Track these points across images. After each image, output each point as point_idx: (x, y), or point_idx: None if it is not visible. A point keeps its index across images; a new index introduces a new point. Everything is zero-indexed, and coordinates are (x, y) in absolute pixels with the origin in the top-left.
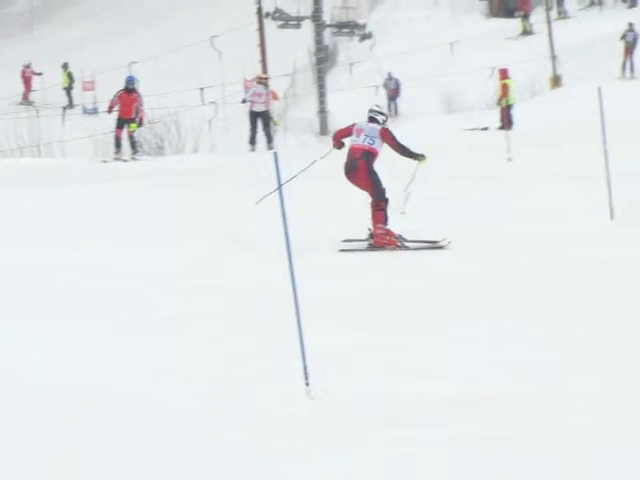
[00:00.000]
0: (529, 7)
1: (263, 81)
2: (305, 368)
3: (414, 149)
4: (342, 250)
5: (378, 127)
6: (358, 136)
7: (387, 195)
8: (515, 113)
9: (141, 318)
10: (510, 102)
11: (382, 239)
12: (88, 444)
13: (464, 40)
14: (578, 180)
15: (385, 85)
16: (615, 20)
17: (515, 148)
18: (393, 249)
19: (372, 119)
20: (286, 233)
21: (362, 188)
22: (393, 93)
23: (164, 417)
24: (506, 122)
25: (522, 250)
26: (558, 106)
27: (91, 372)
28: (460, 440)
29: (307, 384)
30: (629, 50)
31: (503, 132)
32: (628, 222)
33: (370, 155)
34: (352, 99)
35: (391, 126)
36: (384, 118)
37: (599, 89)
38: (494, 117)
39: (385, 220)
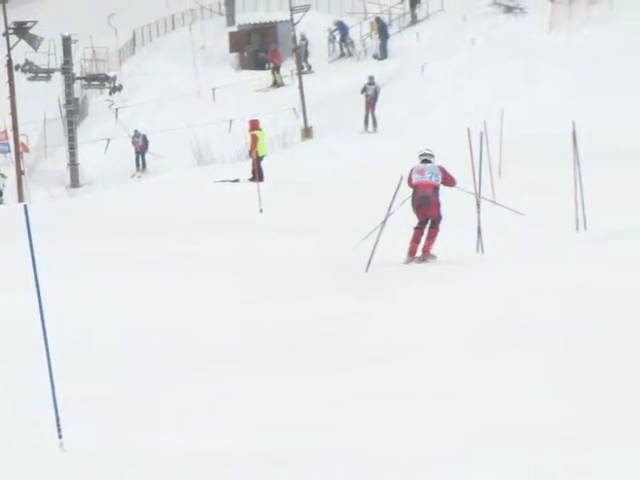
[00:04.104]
0: (279, 59)
1: None
2: (57, 419)
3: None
4: None
5: (437, 165)
6: (423, 175)
7: None
8: (264, 164)
9: None
10: (260, 154)
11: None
12: None
13: (215, 92)
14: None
15: (133, 141)
16: (366, 72)
17: (266, 199)
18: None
19: (426, 161)
20: (36, 279)
21: (429, 217)
22: (141, 149)
23: None
24: (257, 174)
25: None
26: (309, 157)
27: None
28: None
29: (60, 436)
30: (370, 104)
31: (254, 183)
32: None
33: (438, 190)
34: (103, 151)
35: (139, 181)
36: (434, 158)
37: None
38: (246, 169)
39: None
